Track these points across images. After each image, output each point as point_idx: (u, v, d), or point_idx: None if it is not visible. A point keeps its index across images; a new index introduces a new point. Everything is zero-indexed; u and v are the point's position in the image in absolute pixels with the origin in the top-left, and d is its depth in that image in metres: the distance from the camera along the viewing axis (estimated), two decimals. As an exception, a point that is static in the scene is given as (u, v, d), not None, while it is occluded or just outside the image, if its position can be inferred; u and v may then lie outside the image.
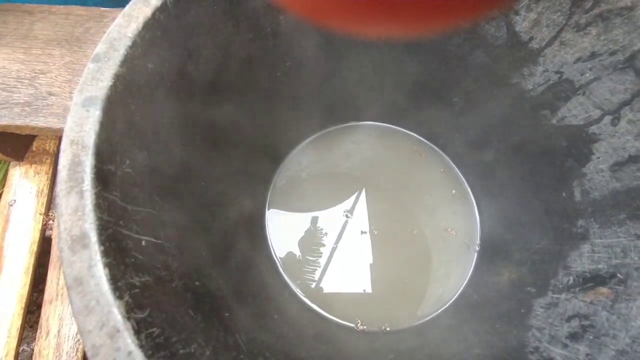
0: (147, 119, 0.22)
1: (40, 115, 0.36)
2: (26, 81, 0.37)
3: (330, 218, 0.39)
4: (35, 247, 0.38)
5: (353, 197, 0.40)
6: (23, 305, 0.36)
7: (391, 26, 0.08)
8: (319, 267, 0.37)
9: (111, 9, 0.42)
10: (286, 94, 0.35)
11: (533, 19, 0.29)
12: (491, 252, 0.37)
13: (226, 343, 0.21)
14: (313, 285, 0.36)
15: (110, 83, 0.19)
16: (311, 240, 0.38)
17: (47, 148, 0.42)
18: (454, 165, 0.41)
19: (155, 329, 0.16)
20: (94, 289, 0.14)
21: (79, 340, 0.35)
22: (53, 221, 0.40)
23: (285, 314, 0.32)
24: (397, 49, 0.35)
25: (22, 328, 0.36)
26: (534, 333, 0.28)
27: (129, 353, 0.13)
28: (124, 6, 0.21)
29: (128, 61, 0.20)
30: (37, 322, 0.36)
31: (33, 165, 0.41)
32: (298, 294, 0.36)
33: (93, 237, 0.15)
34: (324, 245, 0.38)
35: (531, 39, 0.29)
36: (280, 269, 0.37)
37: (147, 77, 0.22)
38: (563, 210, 0.31)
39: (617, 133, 0.28)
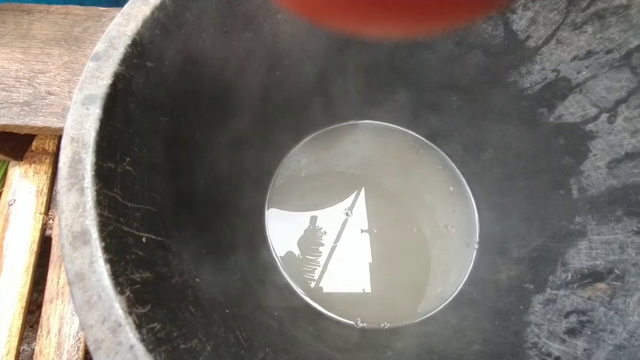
0: (146, 117, 0.22)
1: (40, 114, 0.36)
2: (25, 81, 0.37)
3: (329, 217, 0.39)
4: (35, 247, 0.38)
5: (352, 196, 0.40)
6: (24, 304, 0.36)
7: (390, 26, 0.08)
8: (319, 265, 0.37)
9: (109, 8, 0.42)
10: (285, 92, 0.35)
11: (530, 18, 0.29)
12: (490, 250, 0.37)
13: (227, 339, 0.21)
14: (313, 284, 0.37)
15: (109, 81, 0.19)
16: (311, 239, 0.38)
17: (46, 147, 0.42)
18: (452, 164, 0.41)
19: (156, 324, 0.16)
20: (95, 284, 0.15)
21: (79, 339, 0.35)
22: (53, 220, 0.40)
23: (286, 312, 0.32)
24: (396, 48, 0.35)
25: (23, 327, 0.36)
26: (533, 329, 0.28)
27: (131, 347, 0.14)
28: (121, 6, 0.21)
29: (127, 60, 0.20)
30: (36, 322, 0.36)
31: (32, 165, 0.41)
32: (298, 292, 0.36)
33: (94, 234, 0.15)
34: (323, 244, 0.38)
35: (528, 37, 0.30)
36: (281, 268, 0.37)
37: (146, 75, 0.22)
38: (561, 208, 0.31)
39: (613, 130, 0.28)
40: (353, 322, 0.35)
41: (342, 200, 0.40)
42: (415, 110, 0.40)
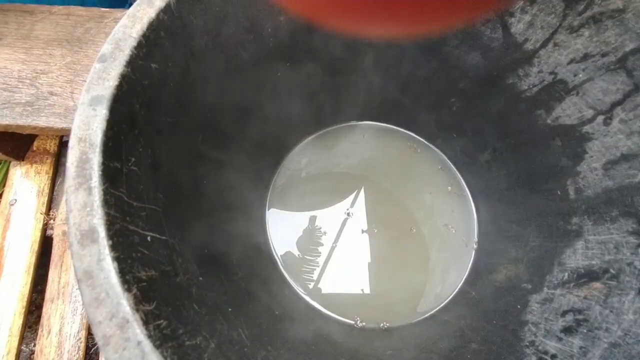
0: (151, 118, 0.23)
1: (42, 115, 0.36)
2: (27, 81, 0.37)
3: (329, 217, 0.39)
4: (36, 247, 0.38)
5: (352, 196, 0.40)
6: (24, 304, 0.36)
7: (390, 27, 0.08)
8: (319, 265, 0.38)
9: (111, 9, 0.42)
10: (286, 94, 0.35)
11: (528, 21, 0.29)
12: (488, 250, 0.38)
13: (230, 336, 0.21)
14: (313, 283, 0.37)
15: (116, 83, 0.19)
16: (311, 239, 0.39)
17: (47, 148, 0.42)
18: (451, 164, 0.42)
19: (162, 320, 0.16)
20: (103, 281, 0.15)
21: (80, 338, 0.35)
22: (54, 220, 0.40)
23: (286, 311, 0.32)
24: (396, 49, 0.35)
25: (24, 327, 0.36)
26: (530, 328, 0.29)
27: (139, 343, 0.14)
28: (122, 7, 0.21)
29: (133, 61, 0.20)
30: (36, 322, 0.36)
31: (34, 165, 0.41)
32: (298, 291, 0.36)
33: (102, 232, 0.16)
34: (323, 244, 0.38)
35: (526, 40, 0.30)
36: (281, 268, 0.37)
37: (151, 77, 0.22)
38: (557, 208, 0.32)
39: (609, 132, 0.29)
40: (353, 322, 0.35)
41: (342, 201, 0.40)
42: (415, 112, 0.41)
